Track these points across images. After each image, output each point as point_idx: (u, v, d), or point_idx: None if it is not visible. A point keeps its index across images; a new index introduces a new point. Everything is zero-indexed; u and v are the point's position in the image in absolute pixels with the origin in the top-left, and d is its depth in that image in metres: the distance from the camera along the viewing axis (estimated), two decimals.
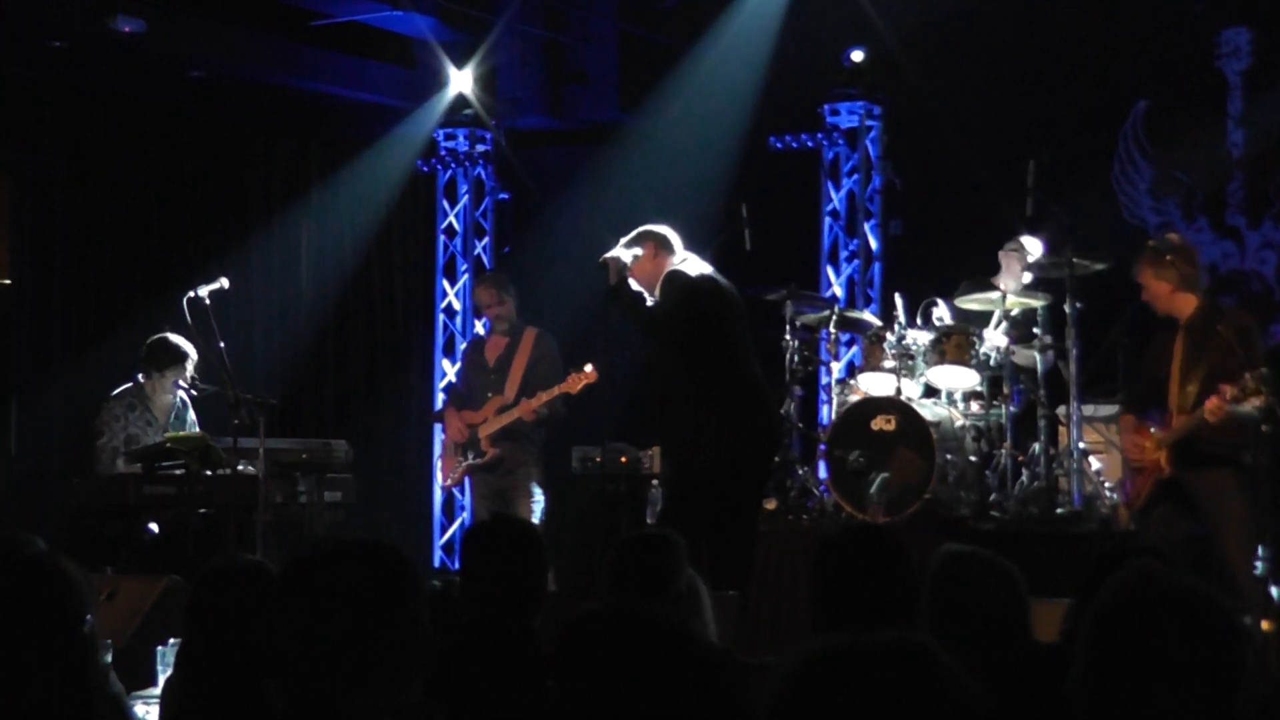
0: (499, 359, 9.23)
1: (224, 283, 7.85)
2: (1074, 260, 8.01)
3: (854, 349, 10.30)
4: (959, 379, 8.38)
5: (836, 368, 9.86)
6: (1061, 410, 8.24)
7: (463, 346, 10.79)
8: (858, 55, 10.68)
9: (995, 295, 8.48)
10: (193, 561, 6.95)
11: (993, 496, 8.16)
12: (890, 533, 4.00)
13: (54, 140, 9.88)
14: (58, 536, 7.56)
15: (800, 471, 8.57)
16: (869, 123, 10.93)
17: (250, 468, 7.88)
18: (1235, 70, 10.05)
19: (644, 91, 11.09)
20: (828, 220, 11.04)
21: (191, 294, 7.69)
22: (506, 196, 11.91)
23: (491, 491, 9.16)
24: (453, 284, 11.78)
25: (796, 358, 8.66)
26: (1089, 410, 8.31)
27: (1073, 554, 7.30)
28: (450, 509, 11.51)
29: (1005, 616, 3.73)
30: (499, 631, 3.90)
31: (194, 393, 8.41)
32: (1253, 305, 9.68)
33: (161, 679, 4.68)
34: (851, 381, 8.87)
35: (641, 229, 7.40)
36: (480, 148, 11.65)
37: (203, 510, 7.88)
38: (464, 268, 11.74)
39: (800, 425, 8.84)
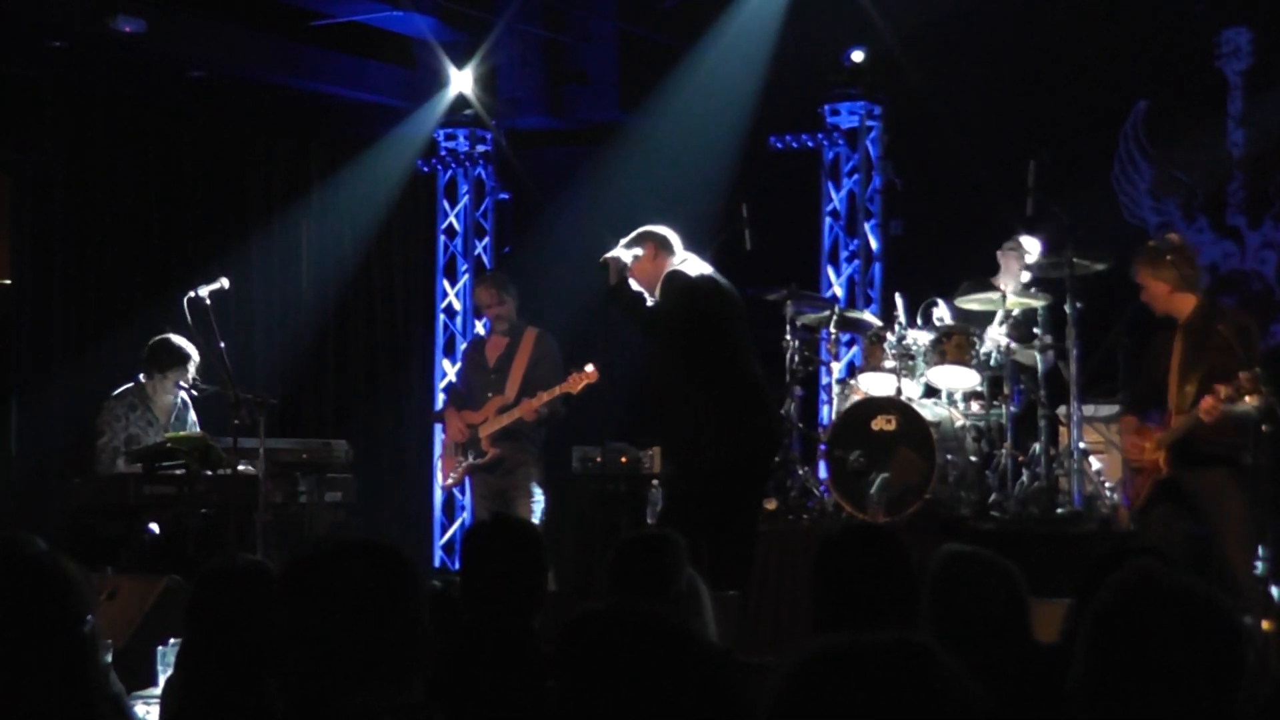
0: (499, 359, 9.23)
1: (224, 283, 7.85)
2: (1074, 260, 8.01)
3: (854, 349, 10.30)
4: (959, 379, 8.38)
5: (837, 368, 9.86)
6: (1062, 410, 8.24)
7: (463, 346, 10.79)
8: (858, 55, 10.68)
9: (995, 295, 8.48)
10: (193, 561, 6.95)
11: (993, 496, 8.15)
12: (890, 533, 4.00)
13: (54, 140, 9.88)
14: (58, 536, 7.56)
15: (800, 471, 8.57)
16: (869, 123, 10.93)
17: (250, 468, 7.88)
18: (1235, 70, 10.05)
19: (644, 91, 11.09)
20: (828, 220, 11.04)
21: (192, 294, 7.69)
22: (507, 196, 11.91)
23: (491, 491, 9.16)
24: (453, 284, 11.78)
25: (797, 358, 8.66)
26: (1089, 410, 8.31)
27: (1073, 554, 7.30)
28: (450, 509, 11.51)
29: (1005, 616, 3.73)
30: (499, 631, 3.90)
31: (194, 393, 8.41)
32: (1253, 305, 9.68)
33: (161, 679, 4.69)
34: (852, 381, 8.87)
35: (641, 229, 7.40)
36: (480, 148, 11.65)
37: (203, 510, 7.88)
38: (464, 268, 11.74)
39: (800, 425, 8.83)
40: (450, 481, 9.52)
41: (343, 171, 11.38)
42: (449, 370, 11.47)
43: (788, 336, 8.65)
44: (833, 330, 9.00)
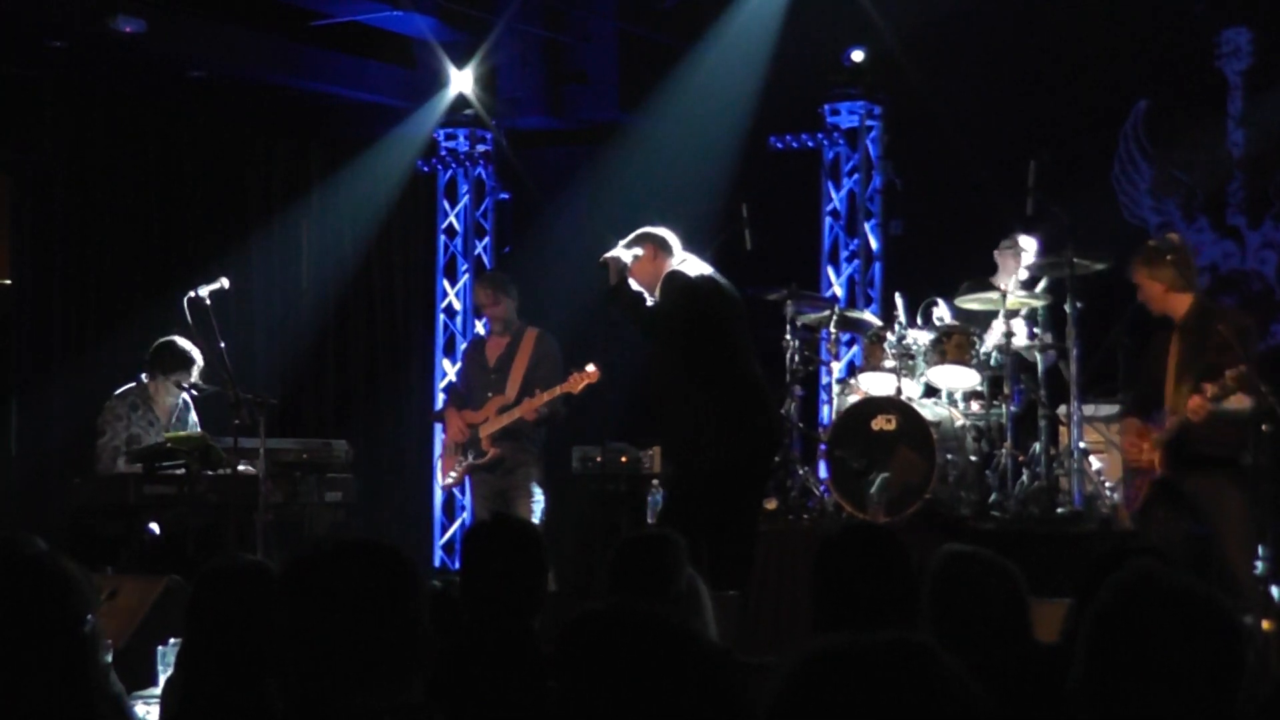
0: (500, 359, 9.23)
1: (224, 283, 7.85)
2: (1074, 260, 8.01)
3: (854, 349, 10.31)
4: (959, 379, 8.38)
5: (837, 368, 9.86)
6: (1062, 410, 8.24)
7: (463, 346, 10.79)
8: (858, 55, 10.69)
9: (995, 295, 8.48)
10: (193, 561, 6.95)
11: (993, 496, 8.15)
12: (890, 533, 4.00)
13: (54, 140, 9.88)
14: (58, 536, 7.56)
15: (800, 471, 8.57)
16: (869, 123, 10.93)
17: (250, 468, 7.89)
18: (1235, 70, 10.05)
19: (644, 91, 11.09)
20: (828, 220, 11.04)
21: (192, 294, 7.70)
22: (507, 196, 11.91)
23: (492, 491, 9.15)
24: (453, 284, 11.78)
25: (797, 358, 8.66)
26: (1089, 410, 8.31)
27: (1073, 554, 7.30)
28: (450, 509, 11.51)
29: (1005, 616, 3.73)
30: (499, 631, 3.90)
31: (194, 393, 8.42)
32: (1253, 305, 9.68)
33: (161, 679, 4.69)
34: (852, 381, 8.87)
35: (640, 230, 7.40)
36: (480, 148, 11.65)
37: (203, 510, 7.88)
38: (464, 268, 11.74)
39: (800, 425, 8.83)
40: (450, 481, 9.52)
41: (343, 171, 11.38)
42: (449, 370, 11.47)
43: (788, 336, 8.65)
44: (833, 330, 9.00)
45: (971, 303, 8.59)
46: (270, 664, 3.05)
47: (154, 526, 7.79)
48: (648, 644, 2.24)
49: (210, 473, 7.89)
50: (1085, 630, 2.34)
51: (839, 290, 10.85)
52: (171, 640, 4.77)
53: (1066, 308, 8.06)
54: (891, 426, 8.05)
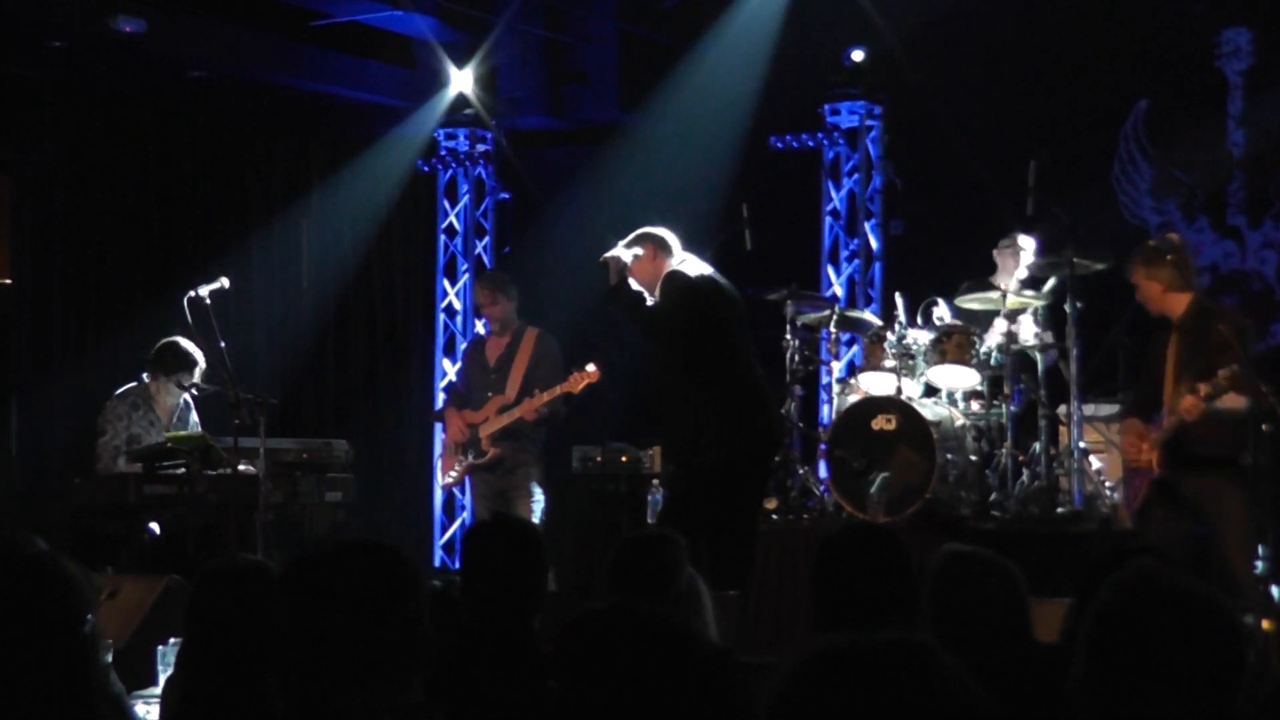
0: (500, 359, 9.23)
1: (224, 282, 7.85)
2: (1074, 260, 8.01)
3: (854, 349, 10.31)
4: (959, 378, 8.38)
5: (837, 367, 9.86)
6: (1062, 410, 8.24)
7: (463, 346, 10.79)
8: (858, 55, 10.69)
9: (995, 295, 8.48)
10: (193, 561, 6.95)
11: (993, 496, 8.15)
12: (890, 533, 4.00)
13: (54, 140, 9.88)
14: (58, 536, 7.56)
15: (800, 471, 8.57)
16: (869, 123, 10.93)
17: (250, 468, 7.88)
18: (1235, 70, 10.05)
19: (644, 91, 11.09)
20: (828, 220, 11.05)
21: (192, 294, 7.70)
22: (507, 196, 11.91)
23: (492, 491, 9.15)
24: (453, 284, 11.78)
25: (797, 358, 8.66)
26: (1089, 410, 8.31)
27: (1073, 554, 7.30)
28: (450, 509, 11.51)
29: (1005, 616, 3.73)
30: (499, 631, 3.90)
31: (195, 393, 8.42)
32: (1253, 305, 9.68)
33: (161, 679, 4.69)
34: (852, 381, 8.87)
35: (640, 231, 7.40)
36: (480, 148, 11.65)
37: (203, 510, 7.88)
38: (464, 268, 11.74)
39: (800, 425, 8.83)
40: (450, 481, 9.52)
41: (343, 171, 11.38)
42: (449, 370, 11.47)
43: (788, 336, 8.65)
44: (833, 330, 9.01)
45: (971, 302, 8.58)
46: (270, 664, 3.05)
47: (154, 526, 7.78)
48: (648, 644, 2.24)
49: (210, 473, 7.89)
50: (1085, 630, 2.34)
51: (839, 290, 10.85)
52: (171, 640, 4.77)
53: (1066, 308, 8.06)
54: (891, 426, 8.05)
